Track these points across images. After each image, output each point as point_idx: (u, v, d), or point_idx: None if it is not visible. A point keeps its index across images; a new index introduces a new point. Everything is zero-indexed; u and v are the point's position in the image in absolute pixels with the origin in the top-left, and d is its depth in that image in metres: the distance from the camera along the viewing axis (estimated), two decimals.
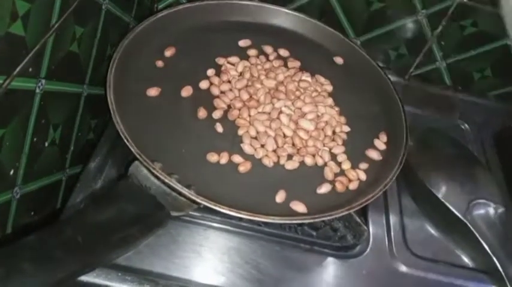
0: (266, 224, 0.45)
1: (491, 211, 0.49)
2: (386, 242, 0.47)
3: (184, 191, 0.38)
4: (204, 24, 0.55)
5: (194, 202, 0.38)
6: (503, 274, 0.44)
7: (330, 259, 0.45)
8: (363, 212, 0.49)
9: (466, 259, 0.48)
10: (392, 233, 0.48)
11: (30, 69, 0.35)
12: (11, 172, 0.36)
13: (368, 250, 0.46)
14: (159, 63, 0.50)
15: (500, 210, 0.49)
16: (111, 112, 0.41)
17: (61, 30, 0.37)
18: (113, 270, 0.39)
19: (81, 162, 0.49)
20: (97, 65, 0.47)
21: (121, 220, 0.32)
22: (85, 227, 0.30)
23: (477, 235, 0.47)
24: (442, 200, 0.49)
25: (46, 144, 0.41)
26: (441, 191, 0.50)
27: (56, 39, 0.37)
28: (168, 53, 0.51)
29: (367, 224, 0.48)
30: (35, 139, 0.38)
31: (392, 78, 0.58)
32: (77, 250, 0.28)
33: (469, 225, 0.47)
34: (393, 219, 0.49)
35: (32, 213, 0.42)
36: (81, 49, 0.42)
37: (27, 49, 0.34)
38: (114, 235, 0.31)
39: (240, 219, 0.44)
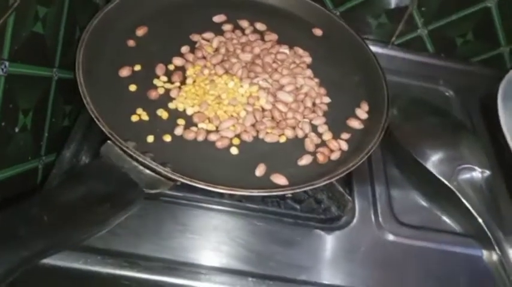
0: (247, 199, 0.44)
1: (477, 175, 0.49)
2: (372, 212, 0.47)
3: (160, 168, 0.37)
4: (176, 1, 0.53)
5: (170, 179, 0.37)
6: (490, 237, 0.44)
7: (316, 232, 0.44)
8: (348, 183, 0.48)
9: (453, 225, 0.48)
10: (378, 203, 0.48)
11: None
12: None
13: (354, 221, 0.46)
14: (131, 43, 0.48)
15: (486, 174, 0.49)
16: (81, 93, 0.40)
17: (22, 9, 0.36)
18: (93, 254, 0.38)
19: (58, 149, 0.48)
20: (66, 48, 0.46)
21: (90, 199, 0.31)
22: (51, 206, 0.29)
23: (463, 200, 0.46)
24: (428, 167, 0.49)
25: (16, 129, 0.40)
26: (426, 159, 0.50)
27: (17, 19, 0.35)
28: (140, 32, 0.49)
29: (352, 195, 0.47)
30: (3, 124, 0.37)
31: (374, 48, 0.57)
32: (42, 228, 0.27)
33: (455, 190, 0.47)
34: (379, 189, 0.49)
35: (8, 202, 0.41)
36: (46, 30, 0.41)
37: None
38: (83, 214, 0.30)
39: (222, 196, 0.44)
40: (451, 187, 0.47)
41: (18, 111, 0.39)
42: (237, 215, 0.44)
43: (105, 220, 0.31)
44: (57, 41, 0.44)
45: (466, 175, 0.48)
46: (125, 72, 0.45)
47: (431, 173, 0.49)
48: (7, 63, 0.36)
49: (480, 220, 0.45)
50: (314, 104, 0.47)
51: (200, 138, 0.42)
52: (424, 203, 0.50)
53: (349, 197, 0.44)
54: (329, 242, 0.44)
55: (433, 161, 0.50)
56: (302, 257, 0.42)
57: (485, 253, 0.46)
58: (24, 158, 0.42)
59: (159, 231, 0.42)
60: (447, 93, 0.62)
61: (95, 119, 0.38)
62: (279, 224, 0.44)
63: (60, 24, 0.44)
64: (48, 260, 0.33)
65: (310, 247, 0.43)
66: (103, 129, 0.37)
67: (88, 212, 0.30)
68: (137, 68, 0.46)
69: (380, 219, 0.46)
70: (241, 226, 0.43)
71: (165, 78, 0.46)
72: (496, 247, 0.44)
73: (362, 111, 0.48)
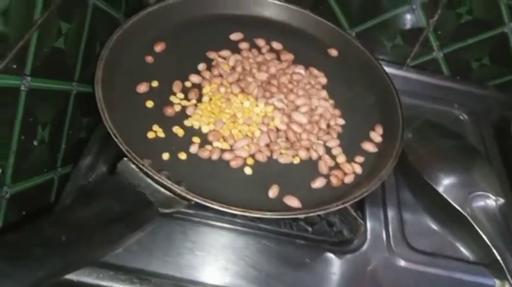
0: (260, 220, 0.44)
1: (491, 202, 0.48)
2: (384, 237, 0.47)
3: (174, 187, 0.37)
4: (194, 18, 0.54)
5: (184, 198, 0.37)
6: (503, 266, 0.44)
7: (327, 255, 0.44)
8: (360, 207, 0.48)
9: (465, 252, 0.47)
10: (390, 227, 0.47)
11: (14, 66, 0.34)
12: None
13: (366, 244, 0.45)
14: (149, 59, 0.49)
15: (500, 202, 0.48)
16: (99, 109, 0.41)
17: (45, 26, 0.37)
18: (105, 269, 0.39)
19: (74, 161, 0.48)
20: (86, 63, 0.47)
21: (106, 218, 0.32)
22: (67, 225, 0.29)
23: (477, 228, 0.46)
24: (441, 193, 0.49)
25: (35, 143, 0.40)
26: (440, 184, 0.49)
27: (40, 35, 0.36)
28: (158, 48, 0.50)
29: (364, 218, 0.47)
30: (22, 138, 0.37)
31: (389, 69, 0.57)
32: (58, 248, 0.27)
33: (469, 218, 0.47)
34: (391, 213, 0.49)
35: (24, 213, 0.41)
36: (67, 45, 0.42)
37: (9, 45, 0.33)
38: (99, 232, 0.30)
39: (234, 215, 0.44)
40: (464, 214, 0.47)
41: (37, 124, 0.40)
42: (248, 235, 0.44)
43: (121, 239, 0.32)
44: (78, 56, 0.45)
45: (480, 202, 0.48)
46: (142, 88, 0.46)
47: (444, 198, 0.48)
48: (29, 79, 0.36)
49: (493, 249, 0.44)
50: (328, 126, 0.48)
51: (215, 157, 0.42)
52: (436, 229, 0.49)
53: (361, 221, 0.44)
54: (340, 265, 0.43)
55: (446, 186, 0.49)
56: (312, 279, 0.42)
57: (497, 283, 0.45)
58: (40, 170, 0.43)
59: (169, 248, 0.42)
60: (461, 117, 0.62)
61: (113, 136, 0.39)
62: (289, 246, 0.43)
63: (81, 40, 0.45)
64: None
65: (321, 270, 0.43)
66: (120, 146, 0.38)
67: (105, 230, 0.31)
68: (154, 84, 0.47)
69: (392, 244, 0.46)
70: (251, 246, 0.43)
71: (181, 95, 0.47)
72: (509, 277, 0.43)
73: (376, 135, 0.48)
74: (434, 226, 0.49)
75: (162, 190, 0.37)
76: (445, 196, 0.48)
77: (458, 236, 0.48)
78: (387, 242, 0.46)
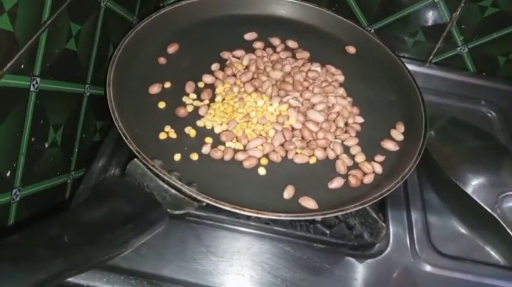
0: (275, 222, 0.42)
1: None
2: (408, 240, 0.44)
3: (185, 188, 0.36)
4: (208, 20, 0.53)
5: (195, 199, 0.36)
6: None
7: (347, 259, 0.42)
8: (382, 208, 0.46)
9: (496, 256, 0.45)
10: (414, 231, 0.45)
11: (23, 66, 0.34)
12: (8, 173, 0.35)
13: (388, 249, 0.43)
14: (162, 60, 0.48)
15: None
16: (110, 110, 0.40)
17: (55, 27, 0.36)
18: (115, 273, 0.38)
19: (88, 164, 0.48)
20: (99, 65, 0.46)
21: (113, 219, 0.31)
22: (72, 226, 0.28)
23: (508, 230, 0.43)
24: (469, 194, 0.46)
25: (46, 145, 0.40)
26: (468, 185, 0.47)
27: (49, 36, 0.36)
28: (171, 49, 0.49)
29: (386, 221, 0.45)
30: (32, 139, 0.37)
31: (411, 66, 0.55)
32: (62, 249, 0.26)
33: (499, 219, 0.44)
34: (415, 215, 0.46)
35: (36, 216, 0.41)
36: (79, 47, 0.41)
37: (17, 45, 0.32)
38: (104, 234, 0.29)
39: (248, 218, 0.42)
40: (494, 215, 0.44)
41: (49, 126, 0.40)
42: (263, 239, 0.42)
43: (126, 241, 0.30)
44: (90, 58, 0.45)
45: (511, 203, 0.45)
46: (154, 89, 0.45)
47: (472, 199, 0.46)
48: (38, 80, 0.36)
49: None
50: (346, 124, 0.46)
51: (227, 157, 0.41)
52: (464, 232, 0.47)
53: (382, 224, 0.42)
54: (361, 271, 0.41)
55: (475, 187, 0.47)
56: (332, 285, 0.40)
57: None
58: (53, 173, 0.43)
59: (182, 252, 0.40)
60: (489, 115, 0.59)
61: (123, 137, 0.38)
62: (307, 250, 0.42)
63: (94, 42, 0.45)
64: (71, 278, 0.33)
65: (341, 276, 0.41)
66: (130, 146, 0.37)
67: (109, 232, 0.30)
68: (167, 85, 0.46)
69: (416, 248, 0.43)
70: (267, 250, 0.41)
71: (194, 96, 0.46)
72: None
73: (397, 133, 0.46)
74: (461, 229, 0.47)
75: (173, 191, 0.36)
76: (474, 197, 0.46)
77: (488, 239, 0.46)
78: (411, 246, 0.44)
